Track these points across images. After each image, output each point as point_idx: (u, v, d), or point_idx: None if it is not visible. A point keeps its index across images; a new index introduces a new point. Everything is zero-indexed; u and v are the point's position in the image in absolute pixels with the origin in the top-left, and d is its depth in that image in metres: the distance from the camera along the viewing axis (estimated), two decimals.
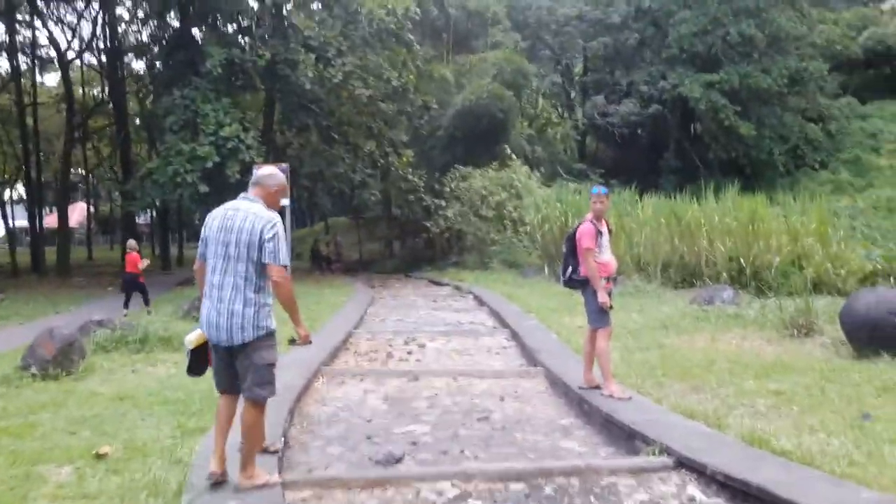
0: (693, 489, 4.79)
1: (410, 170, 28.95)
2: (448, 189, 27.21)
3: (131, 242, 16.90)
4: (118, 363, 8.64)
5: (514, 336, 11.14)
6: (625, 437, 5.81)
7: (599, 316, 6.76)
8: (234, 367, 4.51)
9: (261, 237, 4.31)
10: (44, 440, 5.42)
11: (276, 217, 4.43)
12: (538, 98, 42.20)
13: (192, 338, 4.66)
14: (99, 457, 4.99)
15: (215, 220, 4.48)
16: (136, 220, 36.10)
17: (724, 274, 15.25)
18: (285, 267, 4.36)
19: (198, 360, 4.72)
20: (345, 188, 28.75)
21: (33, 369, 7.62)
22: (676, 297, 14.42)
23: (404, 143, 29.45)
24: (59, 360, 7.73)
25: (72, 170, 49.73)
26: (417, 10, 25.87)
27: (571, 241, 6.96)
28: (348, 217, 45.31)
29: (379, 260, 36.03)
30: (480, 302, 16.28)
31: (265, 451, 5.03)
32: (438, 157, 31.38)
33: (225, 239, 4.38)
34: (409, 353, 10.25)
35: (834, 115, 37.31)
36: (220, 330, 4.36)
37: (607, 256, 6.93)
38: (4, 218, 39.07)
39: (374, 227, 39.93)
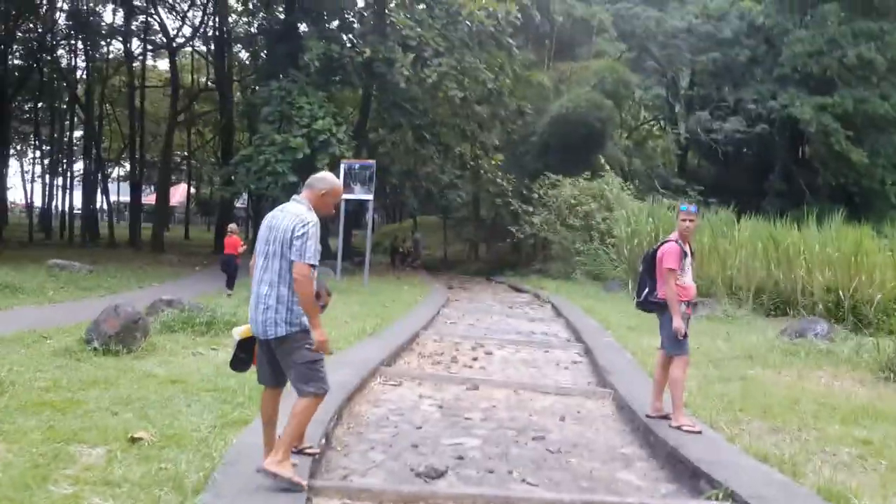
0: None
1: (500, 173, 28.59)
2: (536, 196, 26.73)
3: (233, 226, 17.24)
4: (181, 344, 8.64)
5: (588, 352, 10.69)
6: (689, 475, 5.33)
7: (676, 343, 6.26)
8: (275, 361, 4.50)
9: (292, 234, 4.34)
10: (84, 418, 5.35)
11: (311, 217, 4.44)
12: (640, 109, 41.14)
13: (241, 329, 4.69)
14: (133, 441, 4.87)
15: (266, 219, 4.63)
16: (235, 204, 37.05)
17: (821, 305, 14.34)
18: (312, 266, 4.32)
19: (244, 353, 4.72)
20: (433, 188, 28.66)
21: (95, 344, 7.66)
22: (766, 325, 13.65)
23: (496, 147, 29.12)
24: (122, 337, 7.75)
25: (176, 152, 51.74)
26: (519, 14, 25.41)
27: (651, 260, 6.48)
28: (437, 216, 45.29)
29: (463, 261, 35.83)
30: (558, 312, 15.82)
31: (301, 452, 4.82)
32: (530, 163, 30.88)
33: (268, 237, 4.50)
34: (475, 359, 9.95)
35: None
36: (257, 324, 4.43)
37: (689, 280, 6.44)
38: (107, 193, 40.73)
39: (461, 228, 39.73)
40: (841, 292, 14.22)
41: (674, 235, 6.45)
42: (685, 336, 6.25)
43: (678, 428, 6.12)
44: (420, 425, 6.41)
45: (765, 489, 4.76)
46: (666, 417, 6.42)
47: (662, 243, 6.45)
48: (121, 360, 7.43)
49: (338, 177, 19.06)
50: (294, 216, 4.40)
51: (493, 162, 28.24)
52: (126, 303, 8.25)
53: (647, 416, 6.53)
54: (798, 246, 15.73)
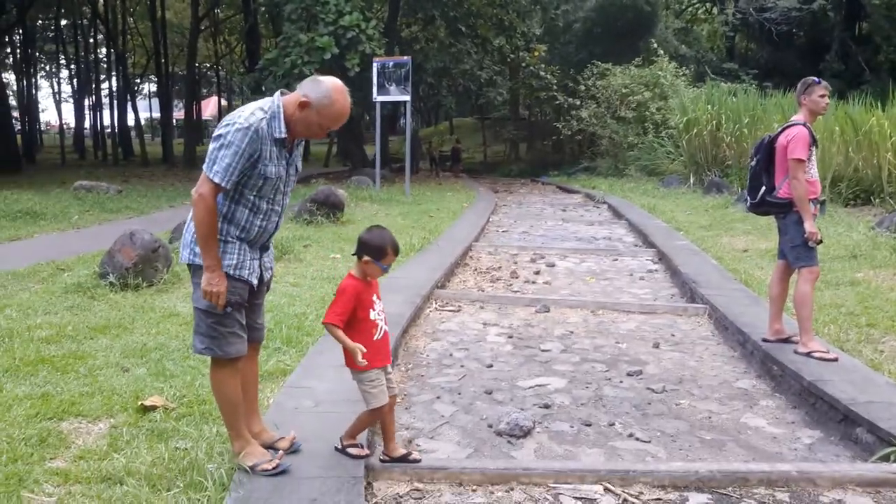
0: None
1: (543, 66, 26.74)
2: (583, 88, 25.02)
3: None
4: None
5: (662, 258, 9.56)
6: (837, 419, 4.24)
7: (805, 251, 5.08)
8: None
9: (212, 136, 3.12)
10: (88, 379, 4.35)
11: (245, 121, 3.03)
12: None
13: None
14: (145, 411, 3.89)
15: None
16: None
17: None
18: (217, 186, 3.03)
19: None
20: (471, 86, 27.02)
21: (111, 278, 6.67)
22: (851, 217, 12.34)
23: (537, 37, 27.18)
24: (140, 269, 6.74)
25: (204, 64, 50.26)
26: None
27: (770, 149, 5.23)
28: (473, 117, 43.66)
29: (503, 162, 34.48)
30: (617, 214, 14.62)
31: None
32: (573, 53, 28.97)
33: None
34: (537, 273, 8.88)
35: None
36: None
37: (816, 173, 5.21)
38: (135, 109, 39.77)
39: (500, 128, 38.14)
40: None
41: (800, 117, 5.19)
42: (820, 241, 5.07)
43: (808, 355, 5.01)
44: (490, 363, 5.38)
45: None
46: (787, 341, 5.31)
47: (785, 127, 5.18)
48: (140, 296, 6.44)
49: (371, 77, 17.78)
50: (232, 114, 3.13)
51: (535, 54, 26.39)
52: (143, 229, 7.20)
53: (764, 341, 5.42)
54: (883, 128, 14.14)
